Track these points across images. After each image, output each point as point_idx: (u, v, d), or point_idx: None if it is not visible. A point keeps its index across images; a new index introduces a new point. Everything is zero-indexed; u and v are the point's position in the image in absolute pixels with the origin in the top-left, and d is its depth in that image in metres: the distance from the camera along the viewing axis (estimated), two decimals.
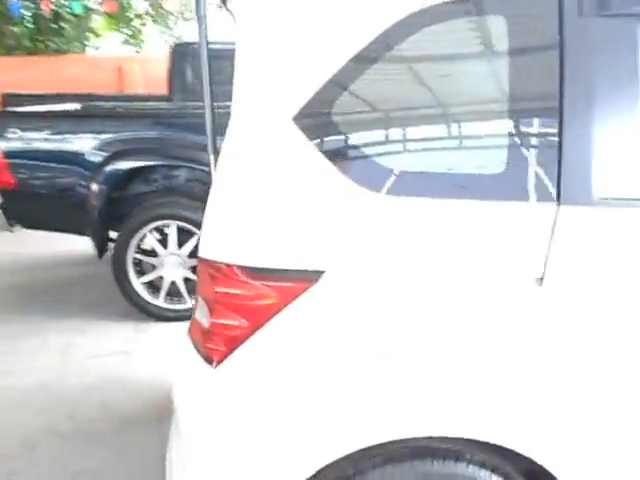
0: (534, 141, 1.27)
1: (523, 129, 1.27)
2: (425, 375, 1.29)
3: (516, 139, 1.27)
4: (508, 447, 1.32)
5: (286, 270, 1.28)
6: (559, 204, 1.24)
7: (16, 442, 2.72)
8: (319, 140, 1.27)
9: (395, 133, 1.30)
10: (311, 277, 1.27)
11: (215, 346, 1.35)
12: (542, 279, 1.24)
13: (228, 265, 1.30)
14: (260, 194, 1.29)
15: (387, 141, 1.30)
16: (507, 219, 1.25)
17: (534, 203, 1.25)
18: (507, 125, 1.27)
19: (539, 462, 1.32)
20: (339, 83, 1.26)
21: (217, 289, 1.32)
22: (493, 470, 1.39)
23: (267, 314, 1.30)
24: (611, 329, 1.26)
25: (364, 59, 1.26)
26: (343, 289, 1.27)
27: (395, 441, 1.34)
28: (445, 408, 1.30)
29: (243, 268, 1.29)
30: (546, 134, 1.26)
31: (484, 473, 1.38)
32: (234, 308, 1.32)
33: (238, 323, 1.32)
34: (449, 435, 1.32)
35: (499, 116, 1.28)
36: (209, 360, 1.37)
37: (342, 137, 1.30)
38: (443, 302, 1.26)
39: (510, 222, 1.25)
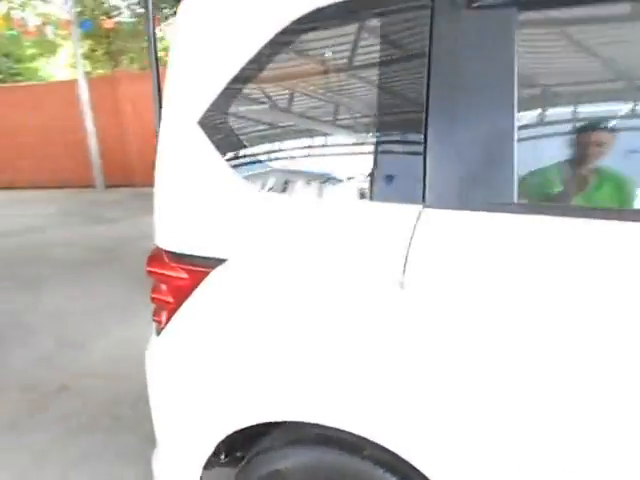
0: (402, 145, 1.27)
1: (393, 132, 1.28)
2: (295, 363, 1.36)
3: (387, 143, 1.28)
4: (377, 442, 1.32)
5: (195, 256, 1.46)
6: (424, 206, 1.22)
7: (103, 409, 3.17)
8: (218, 143, 1.43)
9: (277, 140, 1.40)
10: (214, 263, 1.43)
11: (157, 318, 1.59)
12: (404, 276, 1.23)
13: (160, 249, 1.53)
14: (177, 191, 1.49)
15: (272, 146, 1.41)
16: (378, 218, 1.27)
17: (402, 205, 1.24)
18: (380, 128, 1.29)
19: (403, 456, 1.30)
20: (230, 94, 1.39)
21: (153, 269, 1.55)
22: (388, 469, 1.39)
23: (185, 292, 1.49)
24: (466, 330, 1.19)
25: (246, 75, 1.38)
26: (238, 276, 1.40)
27: (298, 423, 1.44)
28: (313, 397, 1.36)
29: (168, 252, 1.50)
30: (413, 137, 1.24)
31: (376, 470, 1.39)
32: (166, 286, 1.53)
33: (168, 299, 1.53)
34: (318, 422, 1.37)
35: (372, 121, 1.29)
36: (156, 330, 1.61)
37: (235, 141, 1.43)
38: (314, 295, 1.32)
39: (381, 221, 1.26)
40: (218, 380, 1.49)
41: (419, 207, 1.22)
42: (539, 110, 1.20)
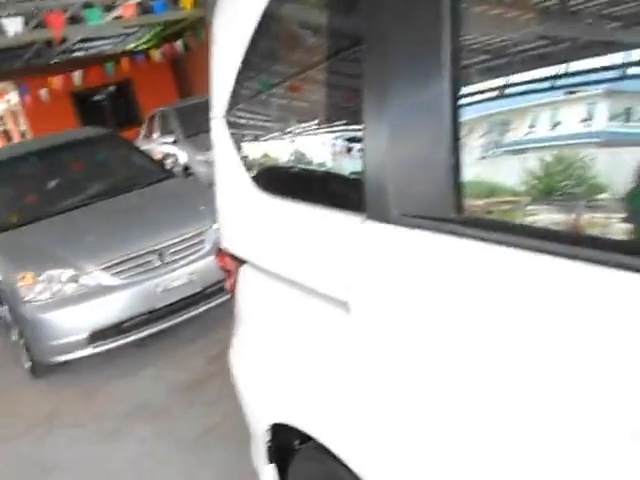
0: (348, 144, 1.07)
1: (341, 131, 1.09)
2: (278, 372, 1.32)
3: (336, 143, 1.10)
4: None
5: (232, 254, 1.51)
6: (366, 218, 1.02)
7: None
8: (236, 140, 1.41)
9: (266, 139, 1.32)
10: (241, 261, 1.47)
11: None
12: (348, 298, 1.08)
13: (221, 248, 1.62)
14: (219, 188, 1.55)
15: (271, 146, 1.35)
16: (329, 228, 1.12)
17: (345, 214, 1.07)
18: (331, 126, 1.12)
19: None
20: (236, 90, 1.37)
21: (217, 261, 1.65)
22: None
23: (233, 280, 1.56)
24: (404, 355, 0.99)
25: (242, 75, 1.33)
26: (250, 275, 1.42)
27: None
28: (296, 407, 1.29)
29: (223, 249, 1.59)
30: (356, 138, 1.04)
31: None
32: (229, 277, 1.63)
33: (229, 285, 1.62)
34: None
35: (327, 117, 1.13)
36: None
37: (244, 136, 1.40)
38: (293, 308, 1.25)
39: (330, 231, 1.12)
40: (256, 373, 1.53)
41: (361, 218, 1.04)
42: (492, 95, 0.87)
